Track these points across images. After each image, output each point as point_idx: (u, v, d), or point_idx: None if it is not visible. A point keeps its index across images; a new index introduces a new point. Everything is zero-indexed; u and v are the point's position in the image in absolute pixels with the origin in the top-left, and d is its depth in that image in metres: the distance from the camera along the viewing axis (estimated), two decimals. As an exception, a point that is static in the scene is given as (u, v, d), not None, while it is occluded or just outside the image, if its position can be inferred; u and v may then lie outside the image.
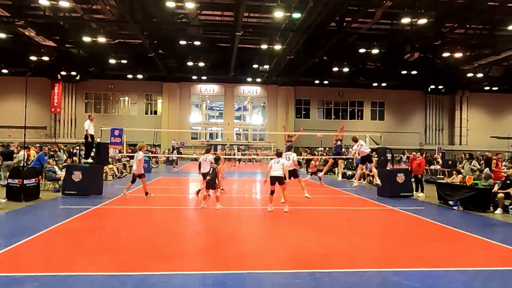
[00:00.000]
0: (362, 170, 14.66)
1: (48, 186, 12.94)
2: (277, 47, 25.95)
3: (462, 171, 13.15)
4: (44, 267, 5.05)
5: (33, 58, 29.99)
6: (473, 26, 24.22)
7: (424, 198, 12.57)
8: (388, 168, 13.26)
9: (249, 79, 37.71)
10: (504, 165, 15.88)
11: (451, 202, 10.87)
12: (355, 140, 13.14)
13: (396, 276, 4.88)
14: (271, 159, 10.64)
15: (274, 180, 9.33)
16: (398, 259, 5.75)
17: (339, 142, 17.51)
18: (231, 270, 5.04)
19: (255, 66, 32.56)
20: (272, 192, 9.45)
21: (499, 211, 9.69)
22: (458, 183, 11.41)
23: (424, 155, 19.62)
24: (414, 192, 13.13)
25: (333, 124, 40.05)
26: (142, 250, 5.91)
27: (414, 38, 26.18)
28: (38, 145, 22.01)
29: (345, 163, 20.35)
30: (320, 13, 19.87)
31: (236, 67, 33.22)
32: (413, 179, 13.41)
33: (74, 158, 14.46)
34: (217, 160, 10.04)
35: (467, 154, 13.60)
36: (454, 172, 12.98)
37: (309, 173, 17.44)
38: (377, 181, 12.46)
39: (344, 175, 19.17)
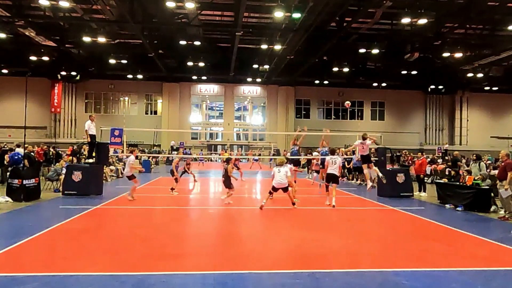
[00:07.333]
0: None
1: (49, 185, 12.93)
2: (277, 47, 25.93)
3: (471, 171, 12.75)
4: (44, 267, 5.04)
5: (33, 58, 29.97)
6: (473, 26, 24.19)
7: (426, 198, 12.67)
8: (388, 168, 13.26)
9: (249, 79, 37.69)
10: None
11: (447, 205, 10.83)
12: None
13: (396, 276, 4.88)
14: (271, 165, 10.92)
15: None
16: (398, 259, 5.74)
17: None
18: (231, 270, 5.04)
19: (255, 66, 32.53)
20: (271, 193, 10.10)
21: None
22: (458, 183, 11.35)
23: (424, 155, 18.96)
24: (416, 192, 13.13)
25: (333, 124, 40.12)
26: (142, 250, 5.90)
27: (414, 38, 26.18)
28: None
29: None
30: (320, 13, 19.85)
31: (236, 67, 33.20)
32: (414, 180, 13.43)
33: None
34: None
35: (474, 155, 12.55)
36: (465, 172, 11.81)
37: (311, 172, 17.39)
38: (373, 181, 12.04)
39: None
